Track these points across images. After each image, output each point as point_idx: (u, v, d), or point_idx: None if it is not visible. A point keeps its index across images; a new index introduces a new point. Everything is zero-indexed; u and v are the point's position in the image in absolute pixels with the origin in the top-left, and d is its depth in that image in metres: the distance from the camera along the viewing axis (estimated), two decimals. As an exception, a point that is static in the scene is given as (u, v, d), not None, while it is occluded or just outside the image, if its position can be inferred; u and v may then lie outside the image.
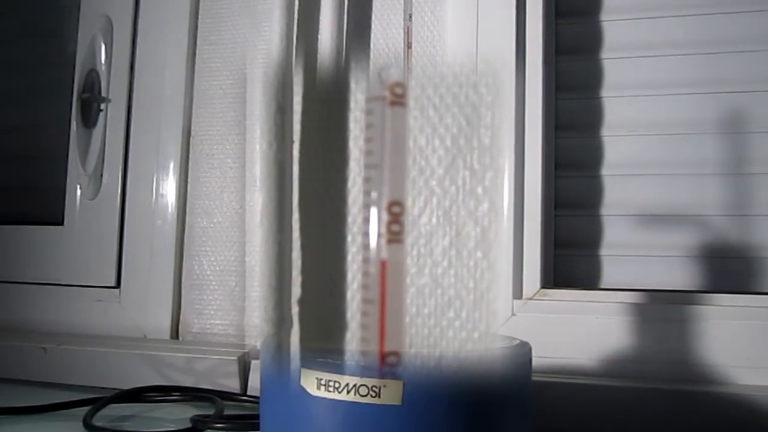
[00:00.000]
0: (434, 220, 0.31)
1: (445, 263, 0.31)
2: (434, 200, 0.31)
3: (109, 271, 0.77)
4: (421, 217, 0.31)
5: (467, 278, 0.30)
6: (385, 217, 0.28)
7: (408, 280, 0.30)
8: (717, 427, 0.54)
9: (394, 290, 0.28)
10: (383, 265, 0.28)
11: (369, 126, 0.29)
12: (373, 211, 0.28)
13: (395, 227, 0.28)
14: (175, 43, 0.77)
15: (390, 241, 0.28)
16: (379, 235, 0.28)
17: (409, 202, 0.30)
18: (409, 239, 0.30)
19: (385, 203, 0.28)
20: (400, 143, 0.29)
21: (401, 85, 0.29)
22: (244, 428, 0.51)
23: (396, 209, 0.28)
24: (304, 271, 0.32)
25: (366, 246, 0.28)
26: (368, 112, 0.29)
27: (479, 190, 0.30)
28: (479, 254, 0.30)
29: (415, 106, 0.31)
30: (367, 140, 0.29)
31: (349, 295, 0.32)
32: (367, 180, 0.29)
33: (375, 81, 0.29)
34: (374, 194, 0.28)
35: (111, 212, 0.78)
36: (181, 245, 0.76)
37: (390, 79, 0.28)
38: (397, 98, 0.28)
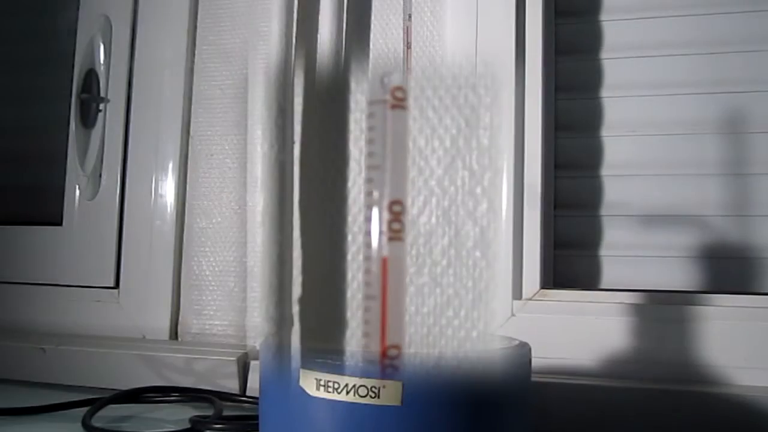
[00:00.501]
0: (433, 220, 0.31)
1: (444, 262, 0.31)
2: (433, 200, 0.31)
3: (108, 271, 0.77)
4: (420, 216, 0.31)
5: (466, 277, 0.30)
6: (386, 215, 0.28)
7: (407, 279, 0.30)
8: (716, 428, 0.54)
9: (395, 286, 0.29)
10: (384, 261, 0.28)
11: (371, 128, 0.29)
12: (375, 210, 0.29)
13: (396, 225, 0.29)
14: (174, 43, 0.77)
15: (391, 239, 0.29)
16: (381, 233, 0.29)
17: (408, 202, 0.30)
18: (408, 239, 0.30)
19: (386, 203, 0.29)
20: (400, 145, 0.29)
21: (402, 89, 0.29)
22: (244, 429, 0.51)
23: (397, 208, 0.29)
24: (305, 270, 0.32)
25: (368, 244, 0.29)
26: (370, 115, 0.29)
27: (478, 190, 0.31)
28: (478, 254, 0.30)
29: (415, 107, 0.31)
30: (369, 142, 0.29)
31: (349, 293, 0.32)
32: (368, 180, 0.29)
33: (377, 85, 0.29)
34: (376, 194, 0.29)
35: (110, 212, 0.78)
36: (180, 246, 0.76)
37: (392, 83, 0.29)
38: (398, 102, 0.29)
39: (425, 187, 0.31)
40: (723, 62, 0.67)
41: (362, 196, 0.31)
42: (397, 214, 0.29)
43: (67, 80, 0.81)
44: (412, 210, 0.31)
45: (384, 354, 0.28)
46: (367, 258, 0.29)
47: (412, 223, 0.31)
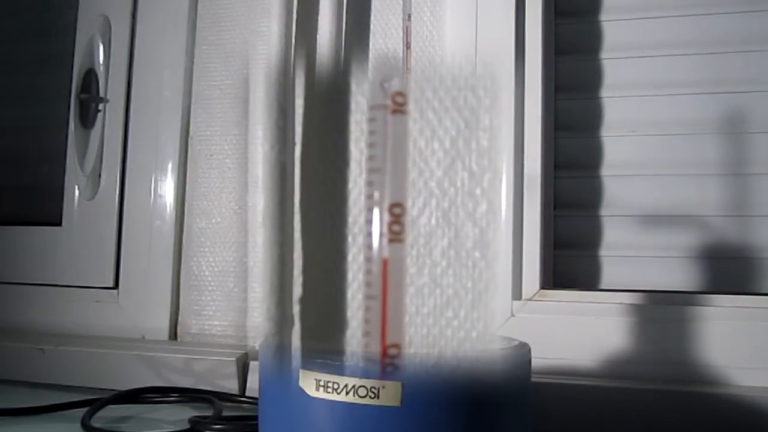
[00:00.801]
0: (433, 220, 0.31)
1: (444, 263, 0.31)
2: (433, 201, 0.31)
3: (108, 271, 0.77)
4: (420, 217, 0.31)
5: (465, 278, 0.31)
6: (386, 217, 0.29)
7: (407, 280, 0.30)
8: (716, 428, 0.54)
9: (395, 287, 0.29)
10: (385, 263, 0.28)
11: (371, 133, 0.30)
12: (376, 212, 0.29)
13: (396, 227, 0.29)
14: (174, 43, 0.77)
15: (391, 241, 0.29)
16: (381, 235, 0.29)
17: (408, 203, 0.30)
18: (408, 239, 0.30)
19: (386, 205, 0.29)
20: (401, 149, 0.29)
21: (402, 94, 0.29)
22: (243, 429, 0.51)
23: (397, 210, 0.29)
24: (305, 270, 0.32)
25: (369, 245, 0.29)
26: (371, 120, 0.30)
27: (477, 191, 0.31)
28: (477, 254, 0.30)
29: (415, 109, 0.31)
30: (370, 146, 0.30)
31: (349, 294, 0.32)
32: (369, 183, 0.29)
33: (377, 90, 0.29)
34: (376, 195, 0.29)
35: (109, 213, 0.78)
36: (179, 246, 0.76)
37: (392, 88, 0.29)
38: (399, 106, 0.29)
39: (425, 188, 0.31)
40: (723, 62, 0.67)
41: (363, 197, 0.31)
42: (397, 216, 0.29)
43: (67, 80, 0.81)
44: (412, 211, 0.31)
45: (384, 354, 0.29)
46: (368, 258, 0.29)
47: (412, 224, 0.31)
